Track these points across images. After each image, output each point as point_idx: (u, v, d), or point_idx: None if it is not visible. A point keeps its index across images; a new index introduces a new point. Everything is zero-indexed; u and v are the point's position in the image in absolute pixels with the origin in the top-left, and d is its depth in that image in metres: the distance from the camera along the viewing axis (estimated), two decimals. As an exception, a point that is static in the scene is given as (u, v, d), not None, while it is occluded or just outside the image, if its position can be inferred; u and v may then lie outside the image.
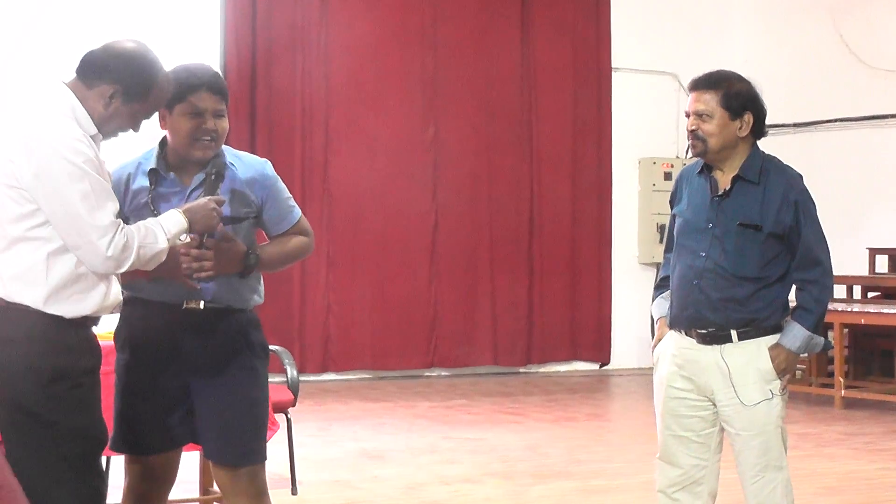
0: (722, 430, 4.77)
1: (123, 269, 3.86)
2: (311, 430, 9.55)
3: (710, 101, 4.63)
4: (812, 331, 4.62)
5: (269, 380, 6.37)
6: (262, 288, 4.50)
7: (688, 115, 4.71)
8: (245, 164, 4.38)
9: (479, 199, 13.65)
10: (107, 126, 3.98)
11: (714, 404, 4.72)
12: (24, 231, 3.82)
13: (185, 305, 4.25)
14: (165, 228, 3.95)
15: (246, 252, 4.24)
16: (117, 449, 4.45)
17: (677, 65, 14.21)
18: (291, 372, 7.13)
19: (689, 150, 4.77)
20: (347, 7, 13.02)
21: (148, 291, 4.29)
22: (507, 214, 13.77)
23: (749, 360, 4.63)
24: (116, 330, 4.44)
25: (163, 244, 3.92)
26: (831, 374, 11.73)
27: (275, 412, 6.31)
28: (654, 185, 14.32)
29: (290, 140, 12.75)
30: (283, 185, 4.46)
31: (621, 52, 14.38)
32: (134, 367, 4.34)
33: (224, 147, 4.34)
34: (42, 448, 3.86)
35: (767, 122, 4.75)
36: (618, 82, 14.40)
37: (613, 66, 14.34)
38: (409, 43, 13.32)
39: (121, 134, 4.05)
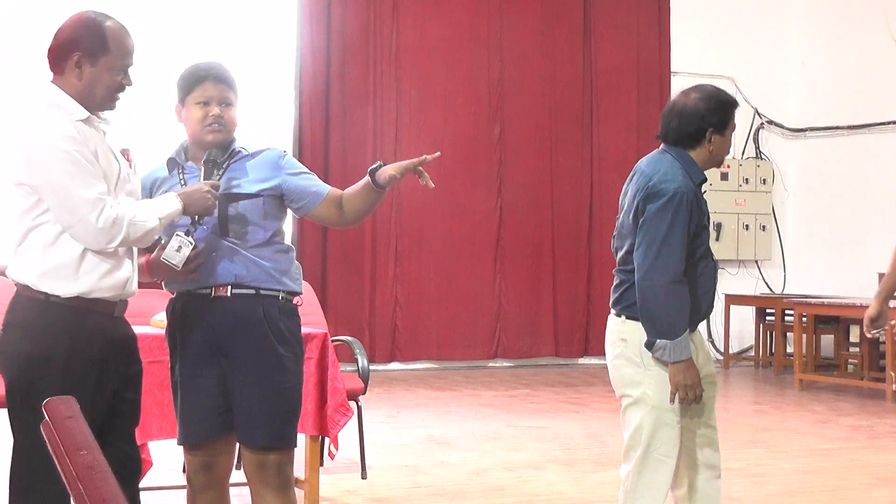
0: None
1: (115, 244, 3.83)
2: (381, 416, 9.50)
3: None
4: None
5: (342, 369, 6.38)
6: (294, 273, 4.40)
7: None
8: (258, 150, 4.41)
9: (542, 197, 13.58)
10: (94, 95, 3.94)
11: None
12: (32, 220, 3.85)
13: (213, 294, 4.21)
14: (158, 209, 3.95)
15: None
16: (178, 442, 4.44)
17: (734, 69, 14.05)
18: (362, 361, 7.10)
19: None
20: (418, 12, 13.03)
21: (181, 283, 4.28)
22: (568, 212, 13.68)
23: None
24: (166, 326, 4.43)
25: (153, 223, 3.90)
26: (883, 369, 11.62)
27: (347, 399, 6.28)
28: (710, 184, 14.16)
29: (363, 139, 12.74)
30: (299, 164, 4.47)
31: (680, 56, 14.27)
32: (179, 358, 4.32)
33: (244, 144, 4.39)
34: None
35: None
36: (676, 86, 14.26)
37: (672, 70, 14.23)
38: (476, 47, 13.29)
39: (119, 96, 3.99)
